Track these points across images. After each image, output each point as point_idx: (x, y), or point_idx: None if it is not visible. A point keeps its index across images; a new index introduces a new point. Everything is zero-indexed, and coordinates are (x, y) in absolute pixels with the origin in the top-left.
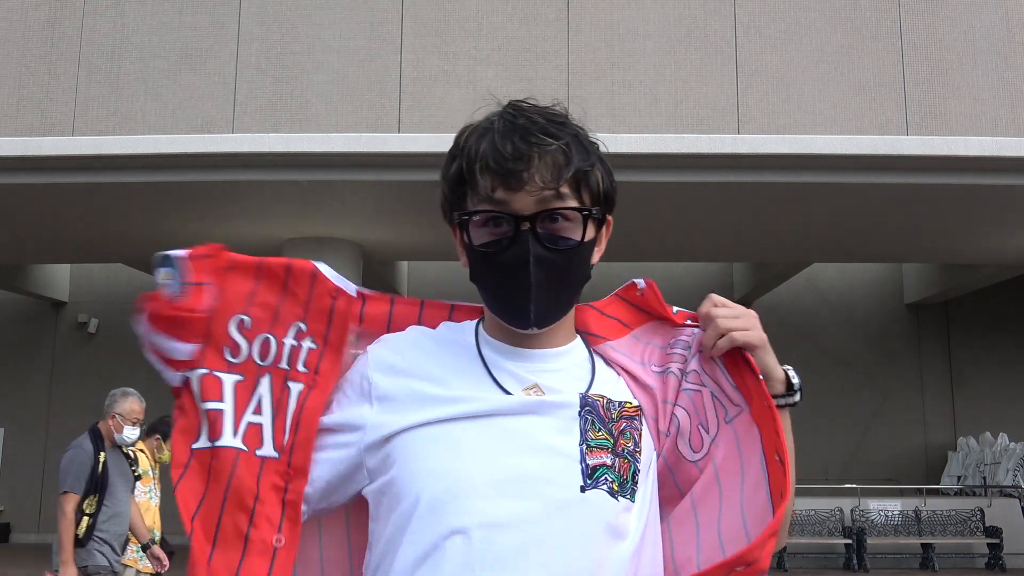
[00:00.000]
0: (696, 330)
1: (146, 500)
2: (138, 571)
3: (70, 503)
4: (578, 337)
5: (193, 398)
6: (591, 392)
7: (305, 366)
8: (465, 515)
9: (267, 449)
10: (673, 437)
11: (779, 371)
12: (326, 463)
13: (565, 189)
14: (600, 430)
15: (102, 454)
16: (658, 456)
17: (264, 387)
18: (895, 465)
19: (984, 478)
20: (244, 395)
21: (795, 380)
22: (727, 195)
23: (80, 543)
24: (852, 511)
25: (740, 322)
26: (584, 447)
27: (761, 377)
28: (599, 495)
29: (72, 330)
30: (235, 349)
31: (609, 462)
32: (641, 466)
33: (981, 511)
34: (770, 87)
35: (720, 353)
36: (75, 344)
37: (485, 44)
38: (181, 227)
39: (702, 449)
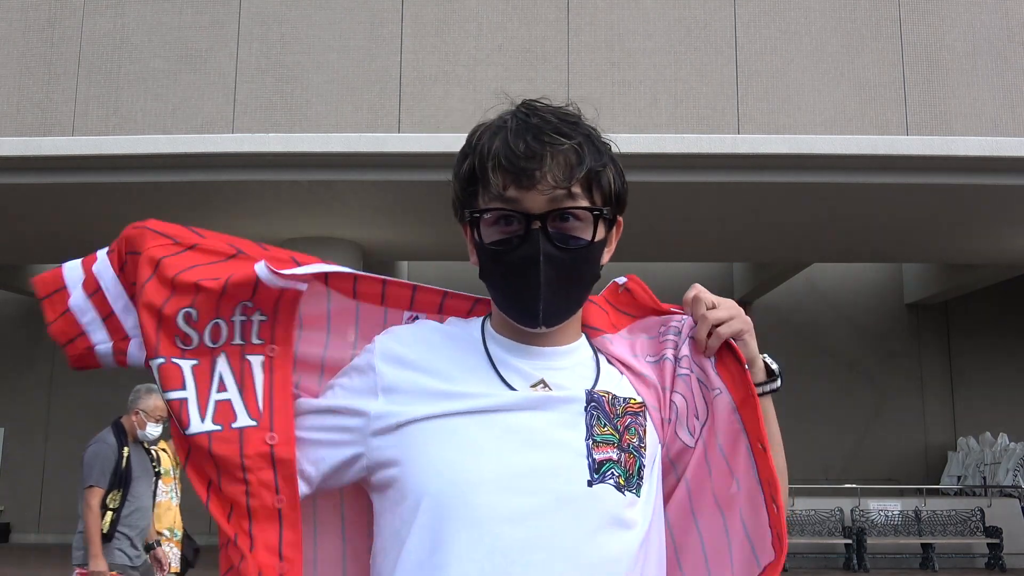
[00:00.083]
0: (686, 317)
1: (167, 499)
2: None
3: (95, 497)
4: (583, 336)
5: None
6: (596, 389)
7: (259, 338)
8: (473, 510)
9: (243, 419)
10: (673, 424)
11: (760, 359)
12: (326, 445)
13: (577, 189)
14: (606, 426)
15: (126, 449)
16: (662, 447)
17: (222, 365)
18: (895, 465)
19: (984, 478)
20: (204, 378)
21: (774, 366)
22: (727, 195)
23: (104, 538)
24: (852, 511)
25: (723, 313)
26: (590, 442)
27: (747, 367)
28: (606, 489)
29: None
30: (186, 339)
31: (615, 457)
32: (646, 461)
33: (981, 511)
34: (770, 87)
35: (713, 352)
36: None
37: (485, 44)
38: None
39: (697, 433)
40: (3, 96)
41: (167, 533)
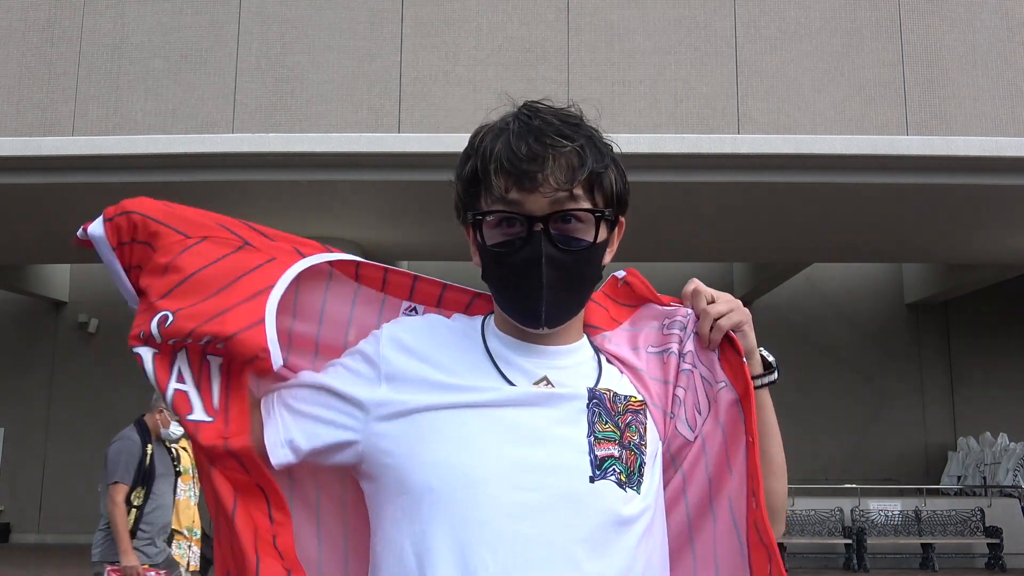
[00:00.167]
0: (690, 312)
1: (186, 498)
2: (186, 567)
3: (120, 494)
4: (585, 336)
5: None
6: (598, 387)
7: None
8: (476, 505)
9: (199, 414)
10: (674, 418)
11: (758, 351)
12: (324, 423)
13: (578, 191)
14: (607, 423)
15: (149, 446)
16: (663, 442)
17: (181, 360)
18: (895, 465)
19: (984, 478)
20: (163, 367)
21: (771, 359)
22: (727, 195)
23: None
24: (852, 511)
25: (723, 306)
26: (592, 439)
27: (745, 359)
28: (607, 486)
29: (72, 330)
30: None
31: (616, 454)
32: (647, 458)
33: (981, 511)
34: (770, 87)
35: (716, 346)
36: (75, 344)
37: (485, 44)
38: None
39: (696, 428)
40: (3, 96)
41: (186, 532)
